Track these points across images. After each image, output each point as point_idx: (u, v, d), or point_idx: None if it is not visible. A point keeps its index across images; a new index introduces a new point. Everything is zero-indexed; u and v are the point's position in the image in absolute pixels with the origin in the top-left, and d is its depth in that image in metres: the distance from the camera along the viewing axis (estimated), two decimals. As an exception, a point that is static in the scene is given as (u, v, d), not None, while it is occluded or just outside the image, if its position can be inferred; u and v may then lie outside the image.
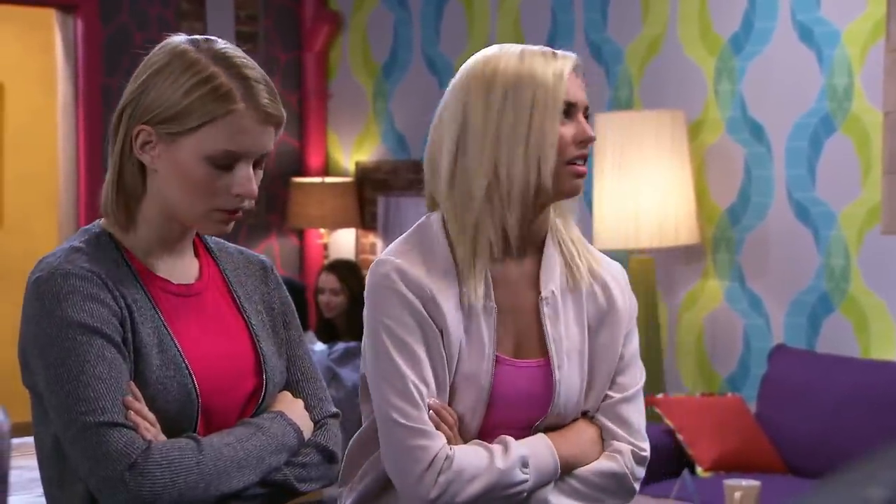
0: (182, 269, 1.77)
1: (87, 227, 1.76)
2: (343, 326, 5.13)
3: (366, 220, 5.88)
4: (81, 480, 1.66)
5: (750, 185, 4.51)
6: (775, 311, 4.44)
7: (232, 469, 1.66)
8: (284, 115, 1.74)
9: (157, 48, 1.71)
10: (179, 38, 1.71)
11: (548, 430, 1.85)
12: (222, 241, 1.86)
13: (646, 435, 1.89)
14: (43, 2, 5.54)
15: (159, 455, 1.61)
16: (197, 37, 1.73)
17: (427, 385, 1.78)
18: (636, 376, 1.89)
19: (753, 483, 3.04)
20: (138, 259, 1.73)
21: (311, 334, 4.60)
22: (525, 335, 1.84)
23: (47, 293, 1.65)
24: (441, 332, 1.78)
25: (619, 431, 1.86)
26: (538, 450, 1.81)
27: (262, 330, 1.80)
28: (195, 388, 1.68)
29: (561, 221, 1.87)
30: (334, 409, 1.85)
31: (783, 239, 4.42)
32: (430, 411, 1.78)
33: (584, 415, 1.87)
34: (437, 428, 1.78)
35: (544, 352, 1.83)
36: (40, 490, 2.47)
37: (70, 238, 1.75)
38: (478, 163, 1.80)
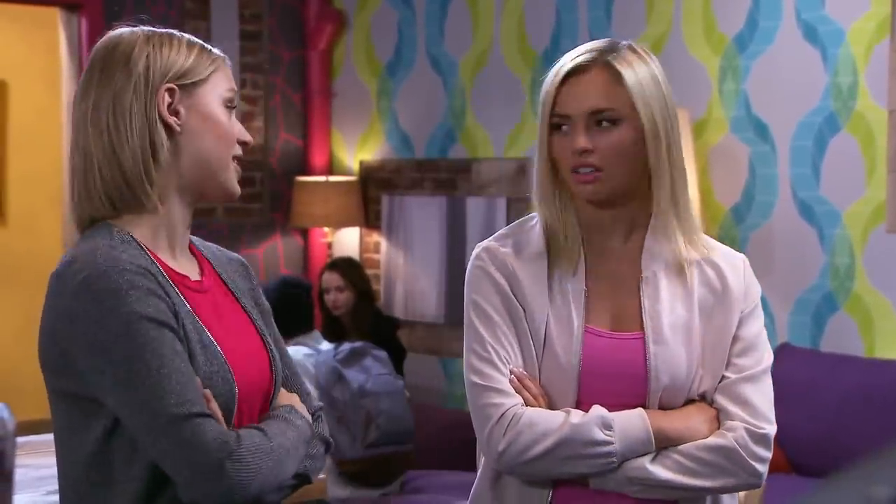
0: (189, 266, 1.78)
1: (98, 227, 1.73)
2: (350, 324, 5.13)
3: (370, 219, 5.88)
4: (135, 480, 1.65)
5: (754, 183, 4.51)
6: (780, 310, 4.43)
7: (286, 458, 1.71)
8: None
9: (109, 41, 1.78)
10: (120, 29, 1.81)
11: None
12: (201, 240, 1.87)
13: (770, 416, 1.87)
14: (47, 1, 5.55)
15: (249, 443, 1.65)
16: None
17: (507, 351, 1.84)
18: (758, 359, 1.89)
19: (758, 482, 3.03)
20: (156, 255, 1.73)
21: (317, 334, 4.61)
22: (624, 312, 1.88)
23: (105, 290, 1.61)
24: (524, 308, 1.85)
25: (735, 410, 1.85)
26: (627, 416, 1.82)
27: (263, 324, 1.83)
28: (235, 385, 1.70)
29: (674, 209, 1.90)
30: (319, 402, 1.90)
31: (788, 238, 4.42)
32: (512, 376, 1.83)
33: (704, 399, 1.87)
34: (519, 393, 1.83)
35: (643, 326, 1.87)
36: (46, 488, 2.47)
37: (86, 236, 1.72)
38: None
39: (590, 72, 1.85)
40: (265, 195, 5.97)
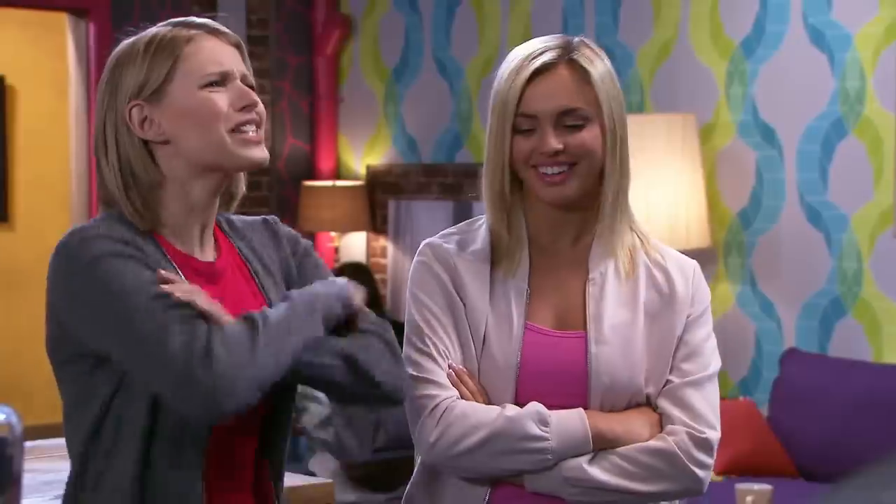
0: (204, 249, 1.76)
1: (113, 210, 1.74)
2: (354, 329, 5.14)
3: (377, 224, 5.88)
4: (129, 455, 1.65)
5: (761, 188, 4.50)
6: (787, 315, 4.43)
7: (295, 329, 1.65)
8: (239, 38, 1.78)
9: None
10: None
11: None
12: (229, 216, 1.84)
13: (713, 421, 1.81)
14: (55, 6, 5.56)
15: (220, 338, 1.59)
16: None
17: (446, 345, 1.81)
18: (704, 364, 1.84)
19: (765, 487, 3.03)
20: (163, 237, 1.72)
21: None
22: (568, 313, 1.85)
23: (77, 248, 1.64)
24: (465, 304, 1.83)
25: (677, 414, 1.80)
26: (565, 414, 1.78)
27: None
28: None
29: (622, 211, 1.87)
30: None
31: (795, 242, 4.41)
32: (450, 371, 1.80)
33: (649, 403, 1.83)
34: (455, 387, 1.80)
35: (586, 327, 1.83)
36: (53, 493, 2.47)
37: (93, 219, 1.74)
38: (484, 162, 1.89)
39: (556, 70, 1.81)
40: (272, 200, 5.98)
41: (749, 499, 2.98)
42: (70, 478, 1.75)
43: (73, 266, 1.65)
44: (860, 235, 4.26)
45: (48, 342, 1.72)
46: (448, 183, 5.58)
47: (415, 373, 1.81)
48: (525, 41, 1.90)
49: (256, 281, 1.79)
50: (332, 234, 5.98)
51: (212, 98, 1.69)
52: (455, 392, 1.80)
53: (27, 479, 1.88)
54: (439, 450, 1.78)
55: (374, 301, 5.20)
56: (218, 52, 1.72)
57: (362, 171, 5.97)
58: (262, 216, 1.86)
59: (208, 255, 1.76)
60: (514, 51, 1.86)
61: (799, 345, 4.37)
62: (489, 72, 5.38)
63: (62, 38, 5.66)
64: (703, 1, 4.65)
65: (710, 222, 4.48)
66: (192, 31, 1.71)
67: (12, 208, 7.10)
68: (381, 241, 5.88)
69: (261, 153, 1.72)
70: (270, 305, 1.76)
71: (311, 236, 6.07)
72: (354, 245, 6.01)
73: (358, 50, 5.99)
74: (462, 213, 5.48)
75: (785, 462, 4.08)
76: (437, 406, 1.78)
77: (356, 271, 5.22)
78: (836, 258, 4.31)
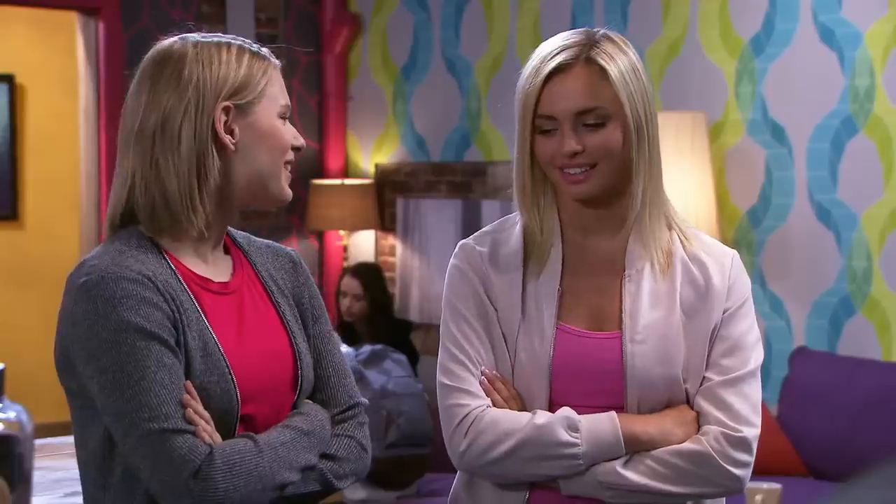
0: (218, 266, 1.77)
1: (123, 231, 1.73)
2: (364, 330, 5.13)
3: (385, 222, 5.89)
4: (135, 482, 1.65)
5: (771, 186, 4.50)
6: (796, 314, 4.42)
7: (284, 469, 1.68)
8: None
9: (158, 55, 1.73)
10: (170, 41, 1.75)
11: None
12: (250, 235, 1.86)
13: (751, 418, 1.80)
14: (65, 4, 5.57)
15: (221, 460, 1.62)
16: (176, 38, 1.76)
17: (479, 352, 1.82)
18: (744, 360, 1.82)
19: (774, 486, 3.02)
20: (178, 259, 1.72)
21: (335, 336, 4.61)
22: (603, 311, 1.84)
23: (100, 296, 1.63)
24: (497, 309, 1.83)
25: (714, 414, 1.79)
26: (596, 418, 1.77)
27: (296, 325, 1.80)
28: (236, 395, 1.68)
29: (658, 205, 1.85)
30: (359, 399, 1.85)
31: (804, 241, 4.40)
32: (483, 378, 1.81)
33: (688, 401, 1.82)
34: (488, 394, 1.80)
35: (622, 325, 1.82)
36: (64, 491, 2.48)
37: (109, 239, 1.73)
38: (513, 161, 1.89)
39: (573, 69, 1.80)
40: (281, 198, 5.99)
41: (758, 498, 2.97)
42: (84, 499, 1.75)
43: (95, 321, 1.63)
44: (870, 234, 4.25)
45: (55, 359, 1.71)
46: (457, 181, 5.57)
47: (448, 381, 1.82)
48: (534, 38, 1.91)
49: (272, 299, 1.79)
50: (341, 232, 5.99)
51: (284, 129, 1.76)
52: (487, 400, 1.80)
53: (37, 477, 1.89)
54: (469, 458, 1.80)
55: (385, 303, 5.19)
56: (283, 84, 1.77)
57: (371, 169, 5.98)
58: (290, 250, 1.89)
59: (223, 273, 1.77)
60: (538, 48, 1.86)
61: (808, 343, 4.37)
62: (498, 70, 5.37)
63: (72, 37, 5.67)
64: (713, -1, 4.65)
65: (718, 221, 4.47)
66: (269, 61, 1.75)
67: (22, 206, 7.11)
68: (390, 240, 5.88)
69: (290, 193, 1.80)
70: (287, 323, 1.77)
71: (320, 234, 6.08)
72: (363, 243, 6.01)
73: (366, 48, 5.99)
74: (471, 212, 5.48)
75: (794, 461, 4.07)
76: (467, 415, 1.79)
77: (372, 276, 5.21)
78: (846, 256, 4.30)
